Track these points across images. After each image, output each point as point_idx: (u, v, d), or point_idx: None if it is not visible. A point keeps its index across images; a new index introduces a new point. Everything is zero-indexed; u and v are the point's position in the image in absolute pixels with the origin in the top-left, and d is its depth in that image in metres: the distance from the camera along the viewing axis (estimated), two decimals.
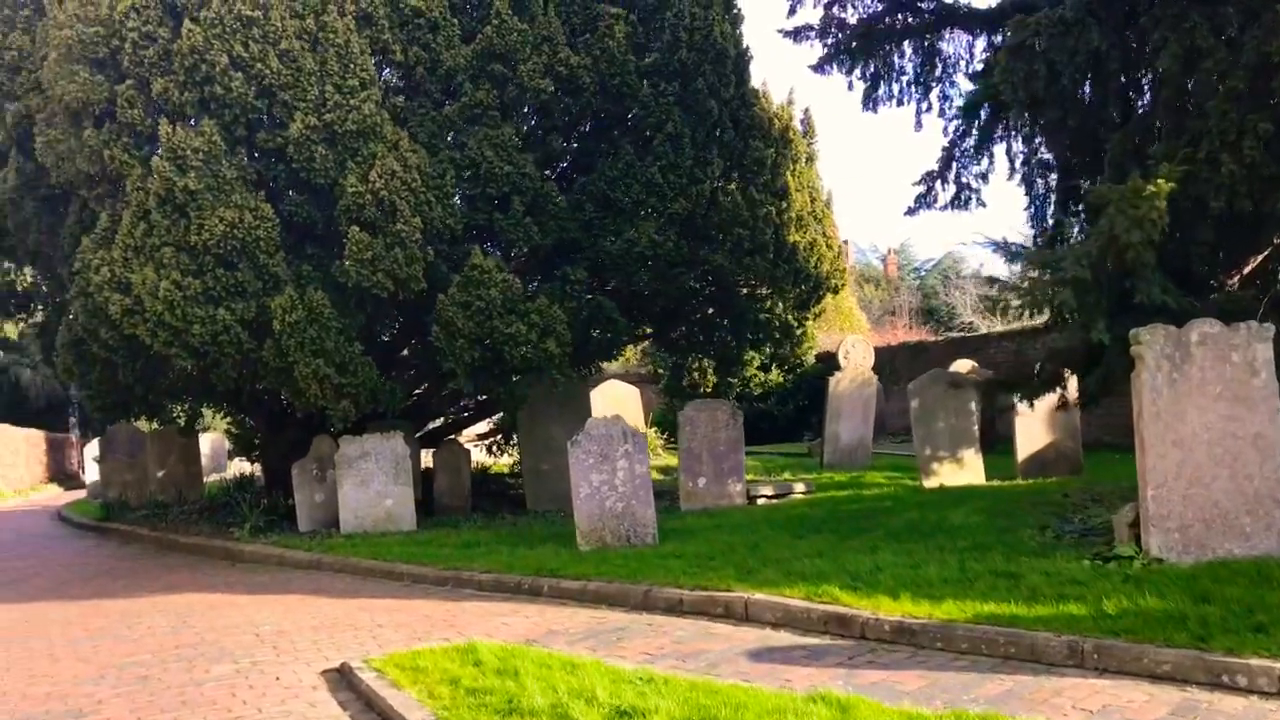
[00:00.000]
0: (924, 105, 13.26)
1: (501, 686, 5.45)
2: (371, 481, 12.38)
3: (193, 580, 10.73)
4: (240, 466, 23.16)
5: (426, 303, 12.18)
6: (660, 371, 23.64)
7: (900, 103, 13.22)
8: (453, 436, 16.59)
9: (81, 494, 27.02)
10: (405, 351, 14.94)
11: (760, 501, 12.69)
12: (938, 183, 12.99)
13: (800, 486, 13.42)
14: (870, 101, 13.20)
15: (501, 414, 17.17)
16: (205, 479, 19.69)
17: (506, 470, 18.27)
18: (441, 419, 17.32)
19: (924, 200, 13.03)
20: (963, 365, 17.01)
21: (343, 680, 6.25)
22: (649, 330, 16.13)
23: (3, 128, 13.58)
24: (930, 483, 12.76)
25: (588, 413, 14.47)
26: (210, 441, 25.15)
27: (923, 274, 59.78)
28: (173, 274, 11.38)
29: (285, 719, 5.59)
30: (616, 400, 19.07)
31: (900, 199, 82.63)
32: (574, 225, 12.70)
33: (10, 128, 13.35)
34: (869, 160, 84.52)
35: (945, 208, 12.97)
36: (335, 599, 9.03)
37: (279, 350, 11.57)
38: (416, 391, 15.09)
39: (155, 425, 18.28)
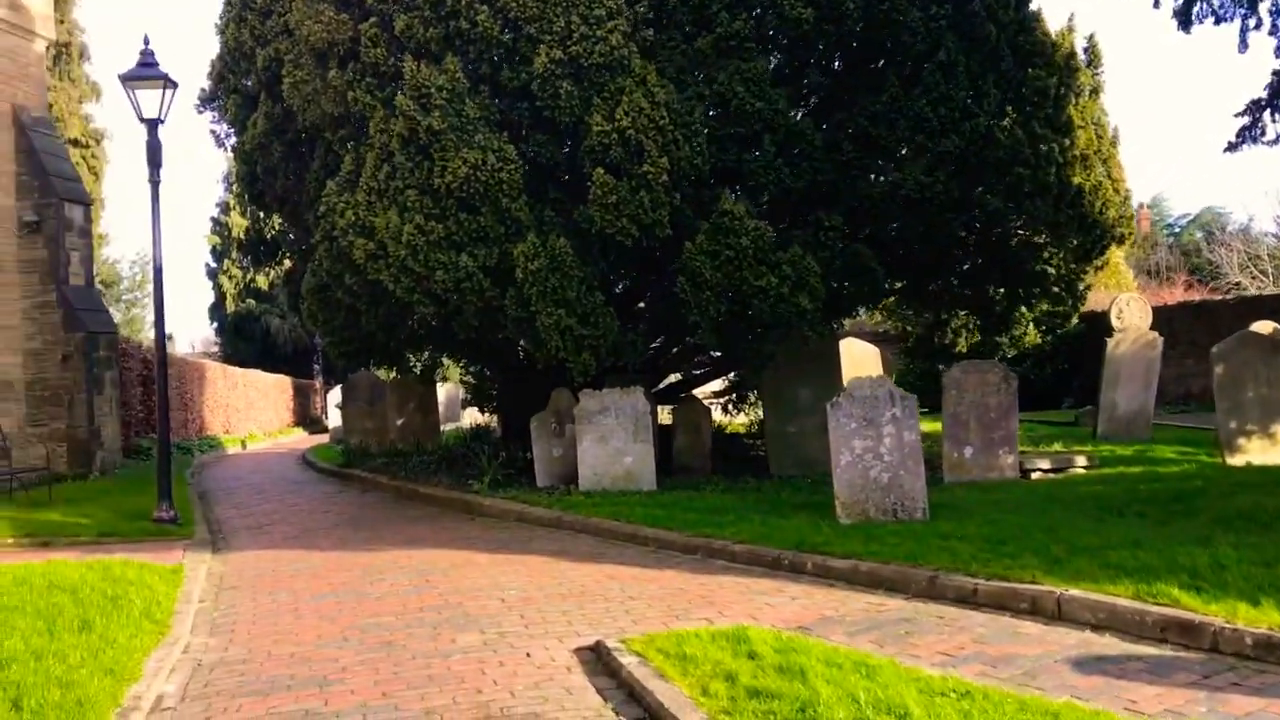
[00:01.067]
0: (1250, 21, 11.32)
1: (788, 689, 4.72)
2: (611, 438, 11.81)
3: (433, 534, 10.48)
4: (474, 416, 23.36)
5: (669, 251, 11.42)
6: (908, 329, 22.13)
7: (1220, 20, 11.37)
8: (687, 393, 15.88)
9: (324, 438, 28.18)
10: (641, 303, 14.27)
11: (1035, 475, 11.35)
12: (1266, 113, 11.10)
13: (1081, 460, 11.94)
14: (1184, 20, 11.38)
15: (736, 371, 16.29)
16: (441, 428, 19.85)
17: (743, 430, 17.42)
18: (677, 375, 16.62)
19: (1248, 134, 11.17)
20: (1263, 326, 14.92)
21: (599, 662, 5.66)
22: (898, 284, 14.83)
23: (254, 73, 13.77)
24: (1235, 460, 11.14)
25: (838, 372, 13.41)
26: (445, 391, 25.58)
27: (1178, 230, 55.57)
28: (415, 218, 11.06)
29: (540, 705, 5.00)
30: (856, 360, 17.77)
31: (1151, 145, 76.22)
32: (829, 166, 11.62)
33: (260, 71, 13.52)
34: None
35: (1275, 142, 11.07)
36: (579, 563, 8.55)
37: (520, 299, 11.09)
38: (653, 345, 14.42)
39: (394, 374, 18.54)
